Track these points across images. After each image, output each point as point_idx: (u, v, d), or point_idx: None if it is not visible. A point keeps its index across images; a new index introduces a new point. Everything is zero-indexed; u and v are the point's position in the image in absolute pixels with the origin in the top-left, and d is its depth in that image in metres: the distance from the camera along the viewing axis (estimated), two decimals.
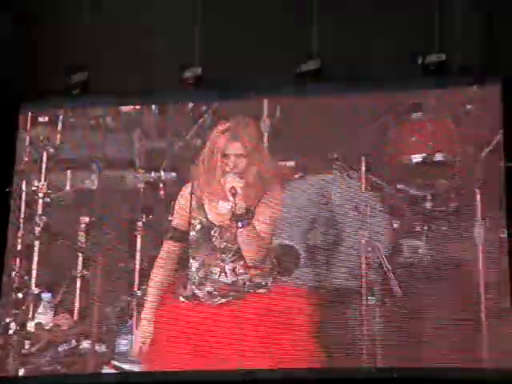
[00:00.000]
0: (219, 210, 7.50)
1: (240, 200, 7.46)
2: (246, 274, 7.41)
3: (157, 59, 8.00)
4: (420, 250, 7.29)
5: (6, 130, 7.85)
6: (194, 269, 7.50)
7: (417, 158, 7.49)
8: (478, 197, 7.28)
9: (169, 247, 7.59)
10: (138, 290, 7.60)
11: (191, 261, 7.53)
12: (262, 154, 7.62)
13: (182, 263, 7.53)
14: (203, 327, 7.33)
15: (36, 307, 7.67)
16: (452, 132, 7.49)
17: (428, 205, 7.38)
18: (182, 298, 7.48)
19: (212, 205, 7.55)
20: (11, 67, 8.01)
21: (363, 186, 7.46)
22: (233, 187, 7.48)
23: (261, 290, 7.40)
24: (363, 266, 7.32)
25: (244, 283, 7.39)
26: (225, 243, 7.47)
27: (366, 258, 7.32)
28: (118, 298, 7.61)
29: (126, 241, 7.71)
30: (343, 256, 7.40)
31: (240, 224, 7.45)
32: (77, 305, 7.64)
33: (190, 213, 7.53)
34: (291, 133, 7.69)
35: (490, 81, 7.42)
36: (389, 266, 7.26)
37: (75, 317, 7.63)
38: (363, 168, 7.48)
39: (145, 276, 7.61)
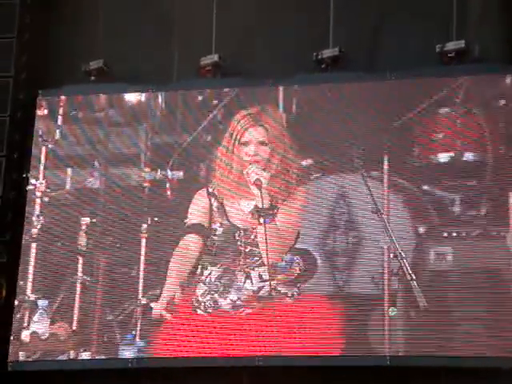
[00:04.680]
0: (244, 209, 7.02)
1: (266, 193, 6.98)
2: (273, 280, 6.93)
3: (175, 47, 7.70)
4: (448, 257, 6.79)
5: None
6: (214, 276, 7.02)
7: (444, 157, 7.00)
8: (511, 199, 6.77)
9: (190, 238, 7.07)
10: (143, 297, 7.12)
11: (210, 268, 7.04)
12: (285, 145, 7.12)
13: (195, 271, 7.08)
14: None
15: (32, 315, 7.21)
16: (483, 129, 6.99)
17: (457, 208, 6.88)
18: (200, 312, 7.00)
19: (233, 205, 7.08)
20: (28, 55, 7.72)
21: (385, 186, 6.97)
22: (258, 179, 6.98)
23: (287, 300, 6.91)
24: (385, 273, 6.83)
25: (269, 293, 6.92)
26: (250, 247, 6.99)
27: (388, 264, 6.83)
28: (120, 305, 7.13)
29: (130, 244, 7.24)
30: (364, 262, 6.91)
31: (262, 220, 6.94)
32: (76, 313, 7.18)
33: (211, 214, 7.10)
34: (308, 129, 7.22)
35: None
36: (413, 275, 6.75)
37: (74, 326, 7.17)
38: (386, 167, 6.99)
39: (150, 282, 7.14)
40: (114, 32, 7.73)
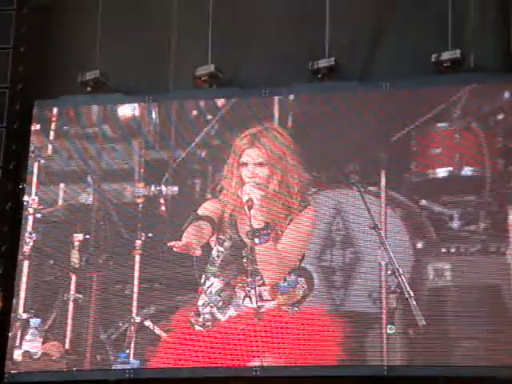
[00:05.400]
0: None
1: (258, 213, 6.88)
2: (273, 300, 6.83)
3: (171, 58, 7.64)
4: (447, 274, 6.67)
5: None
6: (215, 289, 6.92)
7: (442, 172, 6.89)
8: (511, 215, 6.66)
9: (202, 223, 6.94)
10: (137, 315, 7.00)
11: (212, 279, 6.95)
12: (287, 164, 7.02)
13: (195, 282, 6.96)
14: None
15: (24, 334, 7.08)
16: (481, 144, 6.88)
17: (455, 224, 6.77)
18: (198, 327, 6.88)
19: (243, 221, 6.97)
20: (25, 66, 7.69)
21: (383, 202, 6.86)
22: (250, 199, 6.89)
23: (287, 315, 6.80)
24: (383, 290, 6.71)
25: (270, 311, 6.83)
26: (254, 266, 6.88)
27: (385, 281, 6.72)
28: (114, 324, 7.01)
29: (124, 261, 7.12)
30: (361, 279, 6.80)
31: (257, 240, 6.85)
32: (68, 332, 7.05)
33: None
34: (304, 143, 7.10)
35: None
36: (411, 292, 6.64)
37: (67, 345, 7.03)
38: (383, 182, 6.89)
39: (144, 300, 7.02)
40: (110, 43, 7.68)
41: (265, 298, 6.84)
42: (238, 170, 7.03)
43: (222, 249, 6.97)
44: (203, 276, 6.97)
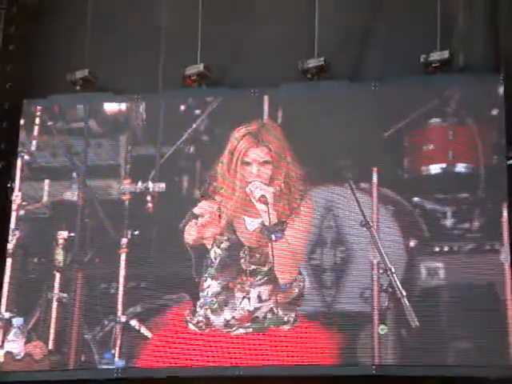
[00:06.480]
0: (248, 227, 6.78)
1: (272, 209, 6.73)
2: (272, 299, 6.68)
3: (160, 57, 7.55)
4: (440, 273, 6.55)
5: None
6: (212, 291, 6.77)
7: (435, 168, 6.78)
8: (505, 212, 6.55)
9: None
10: (122, 314, 6.85)
11: (210, 281, 6.80)
12: (287, 160, 6.89)
13: (185, 282, 6.82)
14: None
15: (6, 334, 6.93)
16: (475, 140, 6.77)
17: (448, 222, 6.64)
18: (191, 326, 6.74)
19: (240, 221, 6.83)
20: (14, 65, 7.64)
21: (374, 199, 6.74)
22: (263, 196, 6.74)
23: (284, 327, 6.65)
24: (375, 289, 6.59)
25: (265, 316, 6.68)
26: (254, 266, 6.73)
27: (377, 280, 6.58)
28: (99, 323, 6.87)
29: (109, 259, 6.98)
30: (352, 278, 6.66)
31: (274, 237, 6.69)
32: (52, 331, 6.90)
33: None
34: (295, 141, 6.97)
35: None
36: (403, 291, 6.51)
37: (50, 345, 6.88)
38: (375, 179, 6.76)
39: (130, 299, 6.86)
40: (99, 42, 7.60)
41: (263, 298, 6.70)
42: (240, 169, 6.87)
43: (219, 250, 6.83)
44: (202, 278, 6.83)
